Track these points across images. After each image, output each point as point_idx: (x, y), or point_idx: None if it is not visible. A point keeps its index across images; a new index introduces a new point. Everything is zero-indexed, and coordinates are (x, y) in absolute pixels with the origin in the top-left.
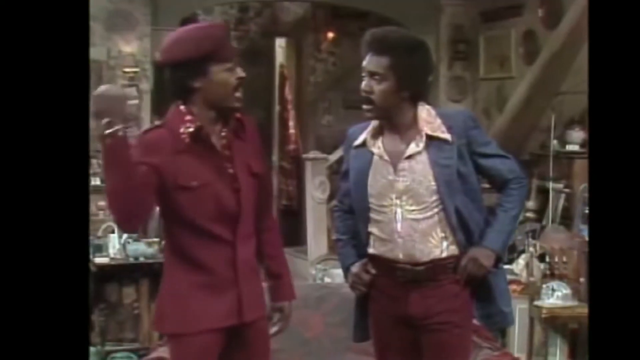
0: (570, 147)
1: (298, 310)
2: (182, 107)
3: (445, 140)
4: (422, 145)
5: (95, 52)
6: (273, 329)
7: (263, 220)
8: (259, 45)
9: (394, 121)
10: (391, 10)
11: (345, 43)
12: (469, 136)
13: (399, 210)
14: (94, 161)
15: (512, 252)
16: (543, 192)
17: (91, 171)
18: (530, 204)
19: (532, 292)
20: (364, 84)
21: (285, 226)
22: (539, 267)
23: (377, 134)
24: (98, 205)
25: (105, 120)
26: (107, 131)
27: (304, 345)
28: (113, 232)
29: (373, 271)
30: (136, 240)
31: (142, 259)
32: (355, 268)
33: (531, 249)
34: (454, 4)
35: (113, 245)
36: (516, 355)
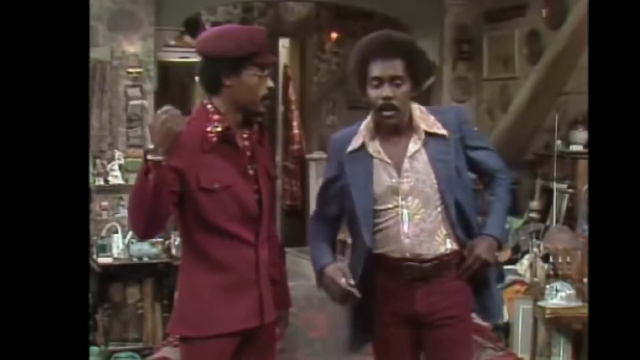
0: (574, 148)
1: (302, 311)
2: (209, 106)
3: (442, 136)
4: (420, 143)
5: (99, 53)
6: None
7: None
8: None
9: (397, 123)
10: (395, 10)
11: (349, 43)
12: (462, 130)
13: (405, 212)
14: (97, 161)
15: (516, 252)
16: (547, 193)
17: (95, 171)
18: (534, 204)
19: (536, 292)
20: (384, 90)
21: (289, 226)
22: (542, 267)
23: (372, 137)
24: (102, 205)
25: (153, 145)
26: (150, 157)
27: (309, 345)
28: (116, 232)
29: (352, 281)
30: (140, 240)
31: (145, 259)
32: (330, 269)
33: (535, 249)
34: (458, 4)
35: (117, 245)
36: (520, 355)
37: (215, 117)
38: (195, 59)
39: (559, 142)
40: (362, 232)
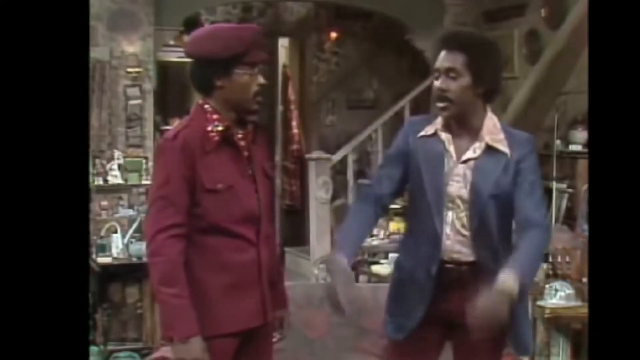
0: (573, 147)
1: (301, 310)
2: (206, 106)
3: (502, 153)
4: (479, 152)
5: (98, 52)
6: (275, 337)
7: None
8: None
9: (464, 120)
10: (395, 10)
11: (349, 43)
12: (525, 160)
13: (450, 213)
14: (97, 161)
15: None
16: (546, 192)
17: (94, 171)
18: None
19: (535, 292)
20: (440, 82)
21: (288, 226)
22: (542, 267)
23: (444, 129)
24: (101, 205)
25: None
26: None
27: (308, 345)
28: (116, 231)
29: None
30: (139, 240)
31: (145, 259)
32: (343, 270)
33: None
34: (457, 3)
35: (116, 245)
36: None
37: (215, 116)
38: None
39: (558, 141)
40: (432, 214)
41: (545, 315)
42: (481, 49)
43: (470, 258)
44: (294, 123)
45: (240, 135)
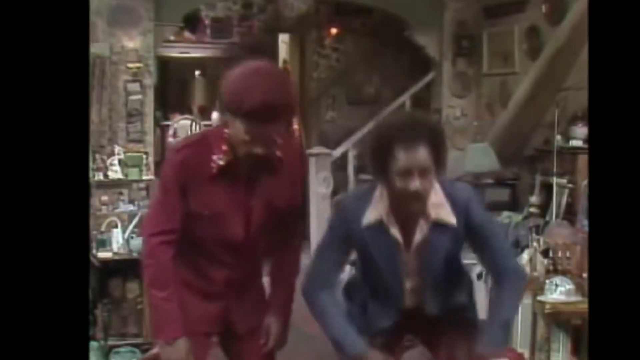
0: (573, 143)
1: (300, 306)
2: (225, 131)
3: (449, 224)
4: (426, 231)
5: (98, 48)
6: (264, 349)
7: (280, 250)
8: (262, 41)
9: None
10: (395, 6)
11: (349, 39)
12: (470, 216)
13: (408, 284)
14: (97, 156)
15: (516, 247)
16: (546, 188)
17: (94, 166)
18: (534, 199)
19: (535, 287)
20: (415, 183)
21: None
22: (542, 262)
23: (387, 213)
24: (101, 200)
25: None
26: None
27: (307, 341)
28: (116, 227)
29: None
30: (140, 235)
31: None
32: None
33: (534, 244)
34: (458, 0)
35: (117, 240)
36: (519, 350)
37: (224, 147)
38: (195, 54)
39: (558, 137)
40: (390, 286)
41: (546, 311)
42: (440, 136)
43: (428, 308)
44: (294, 119)
45: (246, 168)
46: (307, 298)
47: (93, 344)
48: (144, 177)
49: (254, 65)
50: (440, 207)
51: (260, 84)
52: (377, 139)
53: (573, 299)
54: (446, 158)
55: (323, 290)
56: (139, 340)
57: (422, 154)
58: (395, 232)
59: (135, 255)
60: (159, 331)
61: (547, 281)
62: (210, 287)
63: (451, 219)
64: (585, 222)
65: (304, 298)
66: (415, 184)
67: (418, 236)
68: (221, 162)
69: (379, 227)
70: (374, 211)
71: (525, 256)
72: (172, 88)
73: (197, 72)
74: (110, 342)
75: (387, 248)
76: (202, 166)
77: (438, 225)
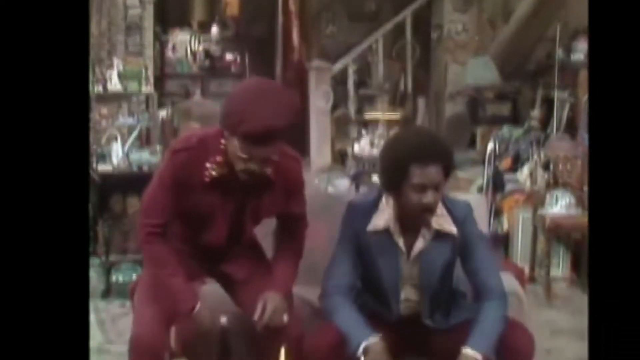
0: (575, 57)
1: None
2: (222, 141)
3: (449, 234)
4: (428, 240)
5: None
6: (260, 322)
7: (282, 229)
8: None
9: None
10: None
11: None
12: (467, 230)
13: (403, 292)
14: (96, 69)
15: (517, 161)
16: (548, 102)
17: (94, 78)
18: (535, 112)
19: (536, 201)
20: (428, 197)
21: (289, 136)
22: (543, 175)
23: (394, 221)
24: (101, 114)
25: None
26: None
27: (308, 254)
28: (116, 140)
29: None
30: (139, 148)
31: (145, 168)
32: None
33: (535, 157)
34: None
35: (116, 154)
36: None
37: (219, 159)
38: None
39: (560, 51)
40: (388, 295)
41: (546, 225)
42: (451, 157)
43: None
44: (295, 34)
45: (240, 182)
46: (322, 301)
47: (94, 261)
48: (143, 90)
49: (257, 85)
50: (441, 218)
51: (261, 108)
52: (393, 156)
53: (573, 212)
54: (452, 174)
55: (340, 294)
56: (140, 257)
57: (435, 171)
58: (399, 240)
59: (135, 169)
60: (177, 306)
61: (547, 195)
62: (186, 269)
63: (452, 228)
64: (586, 136)
65: (320, 303)
66: (428, 198)
67: (420, 245)
68: (214, 173)
69: (385, 234)
70: (381, 218)
71: (525, 170)
72: (172, 3)
73: None
74: (112, 259)
75: (390, 255)
76: (197, 172)
77: (439, 235)
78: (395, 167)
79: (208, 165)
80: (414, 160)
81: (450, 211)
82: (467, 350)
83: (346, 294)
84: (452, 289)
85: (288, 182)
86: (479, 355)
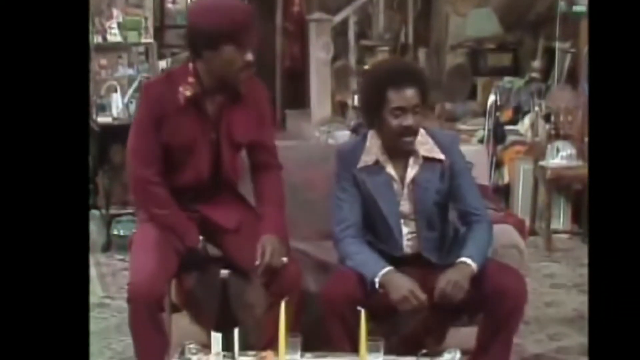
0: (577, 8)
1: (301, 171)
2: (190, 65)
3: (437, 160)
4: (417, 167)
5: None
6: (261, 264)
7: (258, 175)
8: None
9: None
10: None
11: None
12: (454, 158)
13: (403, 227)
14: (96, 19)
15: (517, 112)
16: (549, 53)
17: (93, 29)
18: (536, 63)
19: (536, 152)
20: (408, 119)
21: (289, 88)
22: (544, 127)
23: (382, 154)
24: (100, 64)
25: None
26: None
27: (308, 204)
28: (116, 91)
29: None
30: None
31: None
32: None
33: (536, 108)
34: None
35: (116, 105)
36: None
37: (190, 79)
38: None
39: (562, 2)
40: (391, 230)
41: (547, 176)
42: (425, 80)
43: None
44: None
45: (212, 102)
46: (336, 249)
47: (94, 213)
48: (143, 40)
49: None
50: (427, 145)
51: (217, 10)
52: (372, 82)
53: (574, 163)
54: (428, 99)
55: (349, 237)
56: None
57: (411, 93)
58: (390, 169)
59: None
60: (183, 240)
61: (548, 146)
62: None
63: (439, 154)
64: (587, 87)
65: (335, 247)
66: (409, 121)
67: (410, 172)
68: (188, 93)
69: (375, 166)
70: (369, 154)
71: (526, 121)
72: None
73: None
74: (112, 211)
75: (384, 185)
76: (170, 98)
77: (428, 162)
78: (373, 93)
79: (180, 88)
80: (390, 84)
81: (436, 140)
82: (465, 259)
83: (355, 235)
84: (454, 228)
85: (258, 104)
86: (474, 265)
